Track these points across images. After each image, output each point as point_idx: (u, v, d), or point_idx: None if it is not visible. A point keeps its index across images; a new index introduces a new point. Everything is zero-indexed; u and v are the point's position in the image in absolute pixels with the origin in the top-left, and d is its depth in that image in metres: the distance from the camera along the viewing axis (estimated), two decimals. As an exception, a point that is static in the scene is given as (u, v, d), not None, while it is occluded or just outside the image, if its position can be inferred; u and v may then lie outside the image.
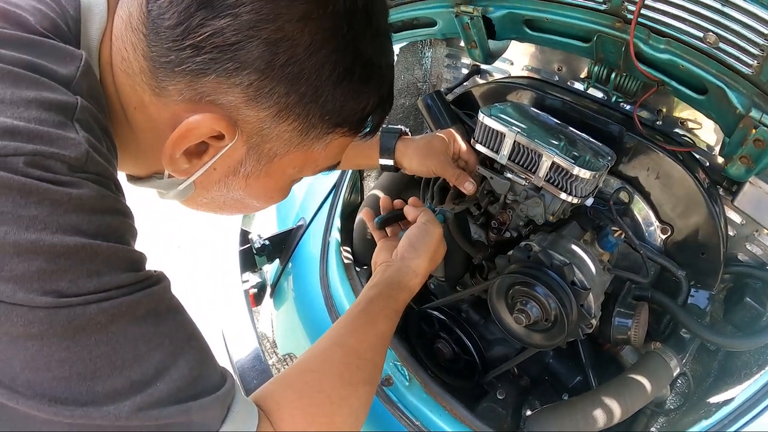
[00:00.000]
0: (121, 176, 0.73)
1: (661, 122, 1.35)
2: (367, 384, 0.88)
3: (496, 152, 1.18)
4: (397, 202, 1.23)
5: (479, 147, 1.22)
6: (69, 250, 0.51)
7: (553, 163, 1.09)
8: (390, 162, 1.29)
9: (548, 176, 1.12)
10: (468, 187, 1.21)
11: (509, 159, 1.17)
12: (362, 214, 1.24)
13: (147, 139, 0.68)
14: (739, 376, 1.27)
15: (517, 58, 1.61)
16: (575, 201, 1.12)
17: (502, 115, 1.17)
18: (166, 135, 0.64)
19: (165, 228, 3.35)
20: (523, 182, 1.18)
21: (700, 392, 1.33)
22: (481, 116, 1.18)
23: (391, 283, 1.03)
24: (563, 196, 1.11)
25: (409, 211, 1.15)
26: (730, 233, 1.31)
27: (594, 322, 1.10)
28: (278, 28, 0.58)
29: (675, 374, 1.22)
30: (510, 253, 1.15)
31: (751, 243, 1.31)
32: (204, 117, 0.62)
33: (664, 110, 1.35)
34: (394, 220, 1.21)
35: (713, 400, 1.24)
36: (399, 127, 1.31)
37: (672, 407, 1.33)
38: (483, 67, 1.68)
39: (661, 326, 1.33)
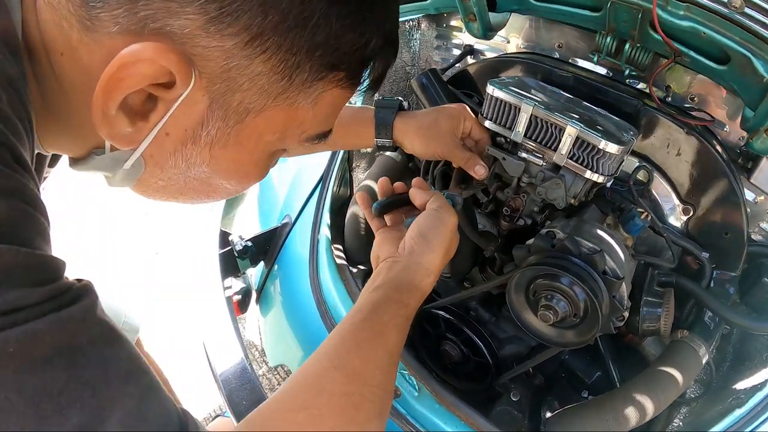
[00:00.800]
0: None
1: (670, 98, 1.28)
2: (377, 417, 0.69)
3: (509, 129, 1.06)
4: (398, 184, 1.02)
5: (488, 124, 1.10)
6: None
7: (578, 137, 0.97)
8: (388, 141, 1.15)
9: (571, 153, 1.00)
10: (479, 171, 1.09)
11: (525, 135, 1.05)
12: (356, 199, 1.04)
13: (78, 98, 0.51)
14: (761, 360, 1.20)
15: (514, 36, 1.50)
16: (601, 180, 1.00)
17: (514, 88, 1.06)
18: None
19: (141, 233, 3.16)
20: (541, 162, 1.07)
21: (719, 379, 1.25)
22: (490, 89, 1.06)
23: (400, 285, 0.82)
24: (588, 174, 1.00)
25: (416, 195, 0.94)
26: (745, 211, 1.26)
27: (626, 314, 1.01)
28: None
29: (704, 362, 1.14)
30: (530, 242, 1.03)
31: (766, 221, 1.25)
32: (144, 46, 0.45)
33: (673, 85, 1.27)
34: (396, 205, 1.00)
35: (739, 386, 1.17)
36: (397, 98, 1.16)
37: (693, 396, 1.25)
38: (476, 46, 1.57)
39: (684, 313, 1.25)
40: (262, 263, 1.70)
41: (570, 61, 1.40)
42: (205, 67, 0.48)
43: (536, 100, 1.02)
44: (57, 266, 0.43)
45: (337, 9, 0.49)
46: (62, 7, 0.47)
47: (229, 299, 1.60)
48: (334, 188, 1.58)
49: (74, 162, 0.60)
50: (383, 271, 0.86)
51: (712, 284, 1.19)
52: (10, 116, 0.44)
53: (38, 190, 0.45)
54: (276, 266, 1.65)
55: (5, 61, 0.45)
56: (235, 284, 1.68)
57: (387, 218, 1.00)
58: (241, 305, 1.70)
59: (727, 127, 1.22)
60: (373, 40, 0.53)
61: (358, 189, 1.51)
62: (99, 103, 0.48)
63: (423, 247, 0.86)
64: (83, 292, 0.44)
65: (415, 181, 0.98)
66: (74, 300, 0.42)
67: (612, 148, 0.96)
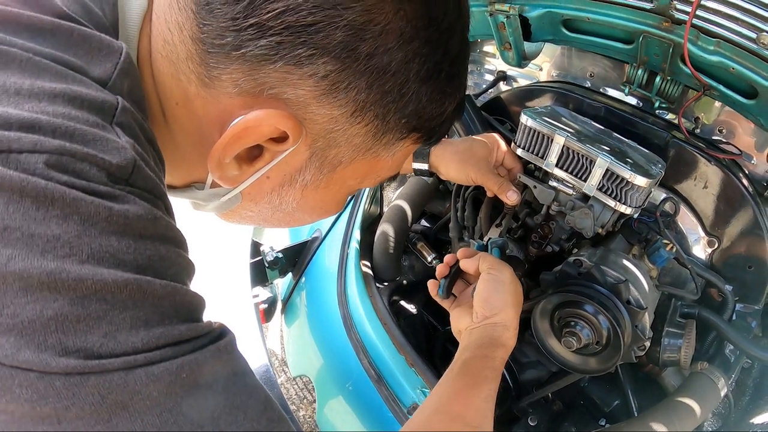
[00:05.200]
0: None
1: (699, 130, 1.29)
2: None
3: (542, 158, 1.09)
4: (450, 259, 1.09)
5: (521, 152, 1.12)
6: (105, 288, 0.37)
7: (608, 169, 1.00)
8: (425, 166, 1.19)
9: (600, 184, 1.03)
10: (512, 197, 1.12)
11: (556, 165, 1.08)
12: (431, 293, 1.10)
13: (188, 142, 0.57)
14: (781, 394, 1.20)
15: (546, 64, 1.53)
16: (629, 211, 1.03)
17: (547, 118, 1.09)
18: (211, 136, 0.53)
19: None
20: (570, 191, 1.09)
21: (737, 412, 1.25)
22: (524, 118, 1.09)
23: (483, 344, 0.91)
24: (617, 206, 1.02)
25: (466, 265, 1.03)
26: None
27: (647, 344, 1.02)
28: (367, 9, 0.47)
29: (723, 395, 1.14)
30: (557, 269, 1.06)
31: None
32: (268, 114, 0.50)
33: (702, 116, 1.28)
34: (455, 278, 1.09)
35: (757, 420, 1.18)
36: None
37: (710, 429, 1.25)
38: (509, 73, 1.60)
39: (705, 345, 1.25)
40: (290, 274, 1.73)
41: (601, 90, 1.42)
42: (312, 128, 0.54)
43: (569, 131, 1.05)
44: (204, 304, 0.49)
45: (426, 87, 0.55)
46: (181, 63, 0.51)
47: (256, 306, 1.63)
48: (366, 206, 1.61)
49: (168, 189, 0.64)
50: (466, 339, 0.95)
51: (734, 317, 1.19)
52: (159, 176, 0.49)
53: None
54: (303, 278, 1.68)
55: (144, 124, 0.49)
56: (262, 293, 1.72)
57: (455, 292, 1.10)
58: (267, 314, 1.74)
59: (754, 159, 1.23)
60: (450, 108, 0.60)
61: (389, 208, 1.54)
62: (217, 153, 0.53)
63: (491, 310, 0.95)
64: (225, 329, 0.49)
65: (460, 253, 1.07)
66: (221, 335, 0.47)
67: (640, 181, 0.98)
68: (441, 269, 1.08)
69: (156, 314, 0.40)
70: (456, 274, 1.08)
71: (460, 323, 1.01)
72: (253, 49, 0.48)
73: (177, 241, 0.47)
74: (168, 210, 0.49)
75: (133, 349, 0.37)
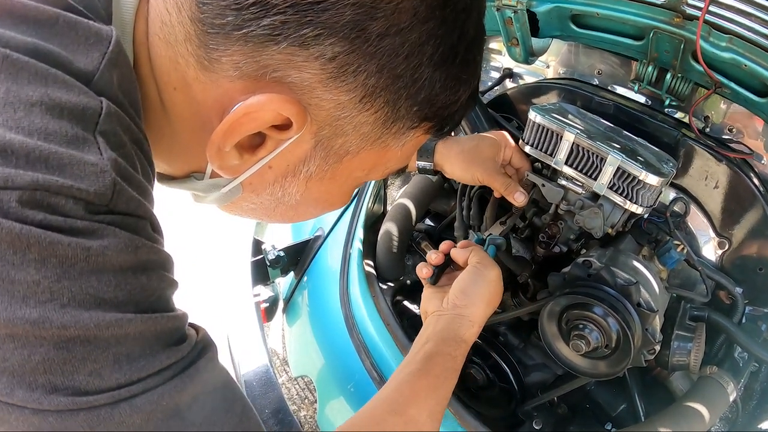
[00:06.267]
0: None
1: (709, 128, 1.26)
2: None
3: (551, 155, 1.06)
4: (447, 246, 1.07)
5: (529, 150, 1.10)
6: (88, 331, 0.37)
7: (619, 167, 0.97)
8: (429, 164, 1.16)
9: (611, 183, 1.00)
10: (519, 198, 1.10)
11: (566, 163, 1.05)
12: (418, 274, 1.07)
13: (186, 129, 0.54)
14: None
15: (552, 61, 1.50)
16: (640, 211, 1.00)
17: (556, 115, 1.06)
18: (211, 122, 0.50)
19: (171, 231, 3.16)
20: (580, 190, 1.07)
21: (744, 417, 1.22)
22: (533, 115, 1.06)
23: (446, 338, 0.90)
24: (627, 205, 1.00)
25: (457, 255, 1.02)
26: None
27: (658, 347, 0.99)
28: None
29: (731, 400, 1.12)
30: (565, 270, 1.03)
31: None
32: (269, 98, 0.48)
33: (712, 115, 1.26)
34: (446, 267, 1.07)
35: (764, 426, 1.15)
36: None
37: (717, 433, 1.23)
38: (516, 70, 1.57)
39: (714, 348, 1.23)
40: (291, 273, 1.72)
41: (609, 88, 1.39)
42: (317, 115, 0.51)
43: (578, 128, 1.02)
44: (186, 321, 0.48)
45: (440, 73, 0.52)
46: (179, 45, 0.49)
47: (257, 305, 1.61)
48: (369, 204, 1.59)
49: (164, 179, 0.63)
50: (430, 325, 0.94)
51: (744, 320, 1.17)
52: (145, 186, 0.47)
53: (164, 244, 0.49)
54: (306, 278, 1.66)
55: (132, 124, 0.47)
56: (264, 292, 1.70)
57: (444, 279, 1.07)
58: (268, 313, 1.72)
59: (764, 159, 1.20)
60: (463, 96, 0.57)
61: (393, 207, 1.52)
62: (216, 141, 0.50)
63: (464, 300, 0.94)
64: (206, 343, 0.49)
65: (460, 244, 1.05)
66: (202, 352, 0.47)
67: (652, 179, 0.96)
68: (437, 258, 1.06)
69: (137, 347, 0.41)
70: (447, 263, 1.06)
71: (429, 305, 1.00)
72: (256, 29, 0.45)
73: (160, 263, 0.46)
74: (154, 226, 0.47)
75: (117, 384, 0.39)
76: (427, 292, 1.03)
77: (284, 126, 0.51)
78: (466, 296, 0.94)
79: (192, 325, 0.50)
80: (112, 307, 0.39)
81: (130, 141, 0.46)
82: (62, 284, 0.37)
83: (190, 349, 0.46)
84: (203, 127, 0.52)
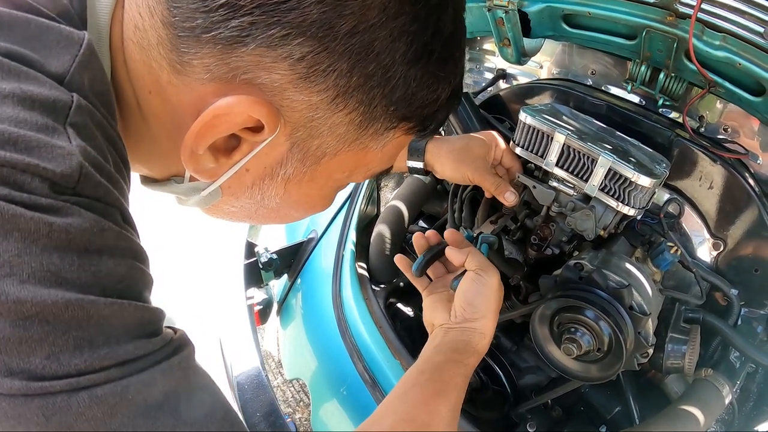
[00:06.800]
0: (135, 178, 0.59)
1: (704, 128, 1.25)
2: None
3: (542, 157, 1.05)
4: (431, 235, 1.04)
5: (520, 151, 1.09)
6: (46, 309, 0.36)
7: (610, 169, 0.96)
8: (419, 164, 1.16)
9: (602, 184, 0.99)
10: (509, 198, 1.09)
11: (557, 165, 1.04)
12: (396, 262, 1.05)
13: (163, 132, 0.54)
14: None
15: (546, 62, 1.49)
16: (632, 213, 0.99)
17: (547, 116, 1.05)
18: (187, 125, 0.50)
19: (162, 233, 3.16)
20: (571, 192, 1.06)
21: (741, 419, 1.21)
22: (523, 116, 1.05)
23: (458, 348, 0.88)
24: (619, 207, 0.99)
25: (453, 256, 0.96)
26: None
27: (651, 350, 0.99)
28: None
29: (727, 403, 1.11)
30: (557, 272, 1.02)
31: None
32: (238, 100, 0.47)
33: (707, 115, 1.25)
34: (434, 260, 1.03)
35: (761, 428, 1.15)
36: None
37: (713, 435, 1.22)
38: (509, 71, 1.57)
39: (709, 350, 1.22)
40: (285, 276, 1.71)
41: (602, 88, 1.38)
42: (290, 116, 0.51)
43: (569, 129, 1.01)
44: (161, 317, 0.46)
45: (415, 71, 0.51)
46: (152, 49, 0.49)
47: (250, 308, 1.60)
48: (362, 206, 1.58)
49: (148, 182, 0.63)
50: (439, 336, 0.92)
51: (739, 322, 1.16)
52: (117, 179, 0.46)
53: (139, 240, 0.48)
54: (299, 280, 1.65)
55: (104, 121, 0.46)
56: (257, 295, 1.69)
57: (429, 272, 1.05)
58: (262, 316, 1.71)
59: (760, 159, 1.19)
60: (443, 95, 0.56)
61: (386, 209, 1.51)
62: (189, 144, 0.50)
63: (473, 314, 0.92)
64: (183, 342, 0.47)
65: (448, 235, 1.02)
66: (177, 350, 0.46)
67: (644, 181, 0.95)
68: (421, 244, 1.03)
69: (101, 334, 0.39)
70: (436, 255, 1.02)
71: (435, 317, 0.97)
72: (224, 30, 0.45)
73: (130, 252, 0.45)
74: (125, 217, 0.46)
75: (76, 371, 0.37)
76: (430, 301, 1.00)
77: (257, 128, 0.50)
78: (475, 309, 0.92)
79: (170, 327, 0.49)
80: (75, 287, 0.38)
81: (102, 136, 0.46)
82: (23, 259, 0.36)
83: (164, 344, 0.45)
84: (180, 130, 0.51)
